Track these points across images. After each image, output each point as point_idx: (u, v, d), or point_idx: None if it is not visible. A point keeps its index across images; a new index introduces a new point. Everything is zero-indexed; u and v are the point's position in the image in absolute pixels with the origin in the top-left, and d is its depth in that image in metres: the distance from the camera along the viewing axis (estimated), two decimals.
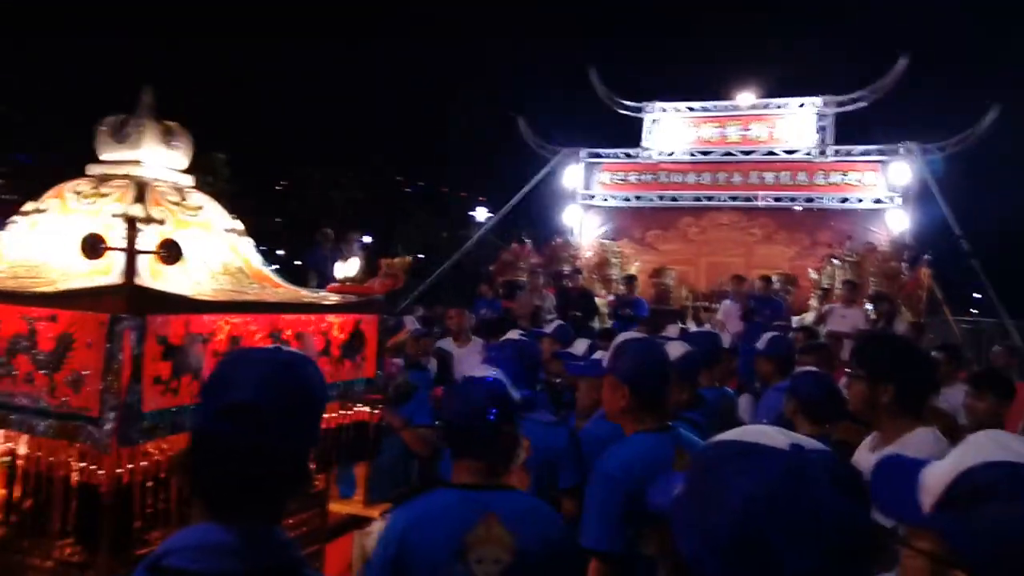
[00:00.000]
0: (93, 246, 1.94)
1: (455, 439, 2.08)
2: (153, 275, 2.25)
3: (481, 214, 23.40)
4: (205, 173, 18.36)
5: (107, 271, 2.15)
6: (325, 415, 2.57)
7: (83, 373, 1.89)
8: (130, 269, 1.87)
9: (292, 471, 1.24)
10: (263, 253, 2.78)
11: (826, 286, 11.15)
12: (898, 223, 12.18)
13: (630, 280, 11.60)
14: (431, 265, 15.95)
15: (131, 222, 1.90)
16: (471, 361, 6.20)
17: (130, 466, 1.95)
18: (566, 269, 13.04)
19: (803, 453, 0.88)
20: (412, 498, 2.07)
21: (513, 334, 3.91)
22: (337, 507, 2.97)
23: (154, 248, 2.03)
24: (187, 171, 2.71)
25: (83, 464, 1.93)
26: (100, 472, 1.91)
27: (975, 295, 17.15)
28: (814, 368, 3.48)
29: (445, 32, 34.09)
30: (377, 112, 30.41)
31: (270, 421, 1.20)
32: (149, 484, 2.02)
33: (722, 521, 0.85)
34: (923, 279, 10.58)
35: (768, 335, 4.51)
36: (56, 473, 1.97)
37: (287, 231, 23.99)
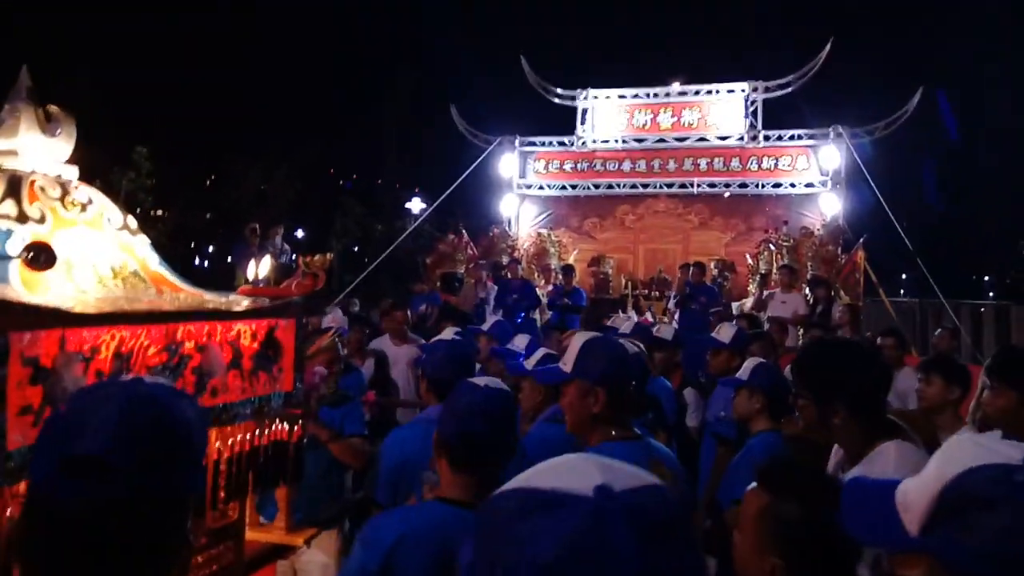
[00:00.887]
0: None
1: (455, 451, 1.91)
2: (27, 284, 1.94)
3: (416, 205, 23.03)
4: (126, 168, 17.54)
5: None
6: (238, 437, 2.32)
7: None
8: None
9: (159, 539, 0.98)
10: (192, 251, 2.48)
11: (764, 271, 11.24)
12: (831, 207, 12.36)
13: (568, 270, 11.49)
14: (367, 258, 15.57)
15: None
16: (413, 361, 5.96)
17: None
18: (504, 260, 12.86)
19: (610, 499, 0.71)
20: (345, 514, 1.87)
21: (447, 333, 3.69)
22: (255, 535, 2.69)
23: (20, 252, 1.73)
24: (106, 166, 2.38)
25: None
26: None
27: (902, 276, 17.67)
28: (764, 360, 3.35)
29: (376, 20, 33.47)
30: (308, 102, 29.58)
31: (125, 477, 0.93)
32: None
33: None
34: (859, 262, 10.74)
35: (728, 326, 4.37)
36: None
37: (220, 226, 23.20)
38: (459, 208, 16.54)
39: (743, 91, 13.12)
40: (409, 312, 7.43)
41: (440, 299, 10.61)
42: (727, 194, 13.14)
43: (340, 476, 3.74)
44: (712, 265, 11.93)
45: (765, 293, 9.85)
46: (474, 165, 14.40)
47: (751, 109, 13.05)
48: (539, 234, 13.93)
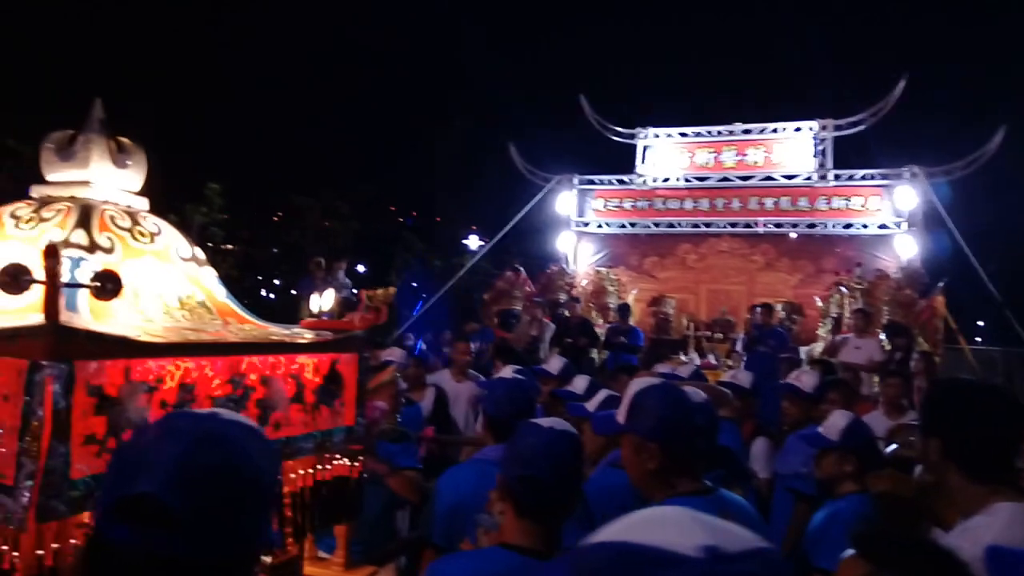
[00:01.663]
0: (14, 277, 1.62)
1: (519, 496, 1.80)
2: (95, 313, 1.93)
3: (474, 242, 23.14)
4: (200, 204, 18.09)
5: (40, 309, 1.83)
6: (300, 471, 2.26)
7: None
8: (52, 306, 1.55)
9: None
10: (259, 283, 2.45)
11: (835, 315, 10.84)
12: (906, 249, 11.91)
13: (623, 308, 11.31)
14: (424, 295, 15.64)
15: (51, 250, 1.57)
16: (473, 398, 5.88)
17: (55, 546, 1.62)
18: (562, 297, 12.75)
19: (720, 562, 0.62)
20: (402, 552, 1.78)
21: (507, 371, 3.59)
22: (314, 570, 2.61)
23: (88, 280, 1.71)
24: (182, 202, 2.39)
25: None
26: (14, 554, 1.58)
27: (978, 323, 16.89)
28: (851, 415, 3.13)
29: (435, 59, 34.16)
30: (369, 140, 30.28)
31: (180, 521, 0.85)
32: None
33: None
34: (938, 308, 10.26)
35: (809, 373, 4.13)
36: None
37: (285, 261, 23.73)
38: (516, 245, 16.53)
39: (811, 129, 12.85)
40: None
41: (492, 336, 10.55)
42: (794, 234, 12.81)
43: (394, 514, 3.66)
44: (779, 308, 11.59)
45: (838, 338, 9.48)
46: (532, 203, 14.41)
47: (820, 147, 12.75)
48: (597, 272, 13.79)
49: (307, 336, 2.40)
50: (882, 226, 12.32)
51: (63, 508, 1.56)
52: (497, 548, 1.84)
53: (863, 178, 12.57)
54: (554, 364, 4.47)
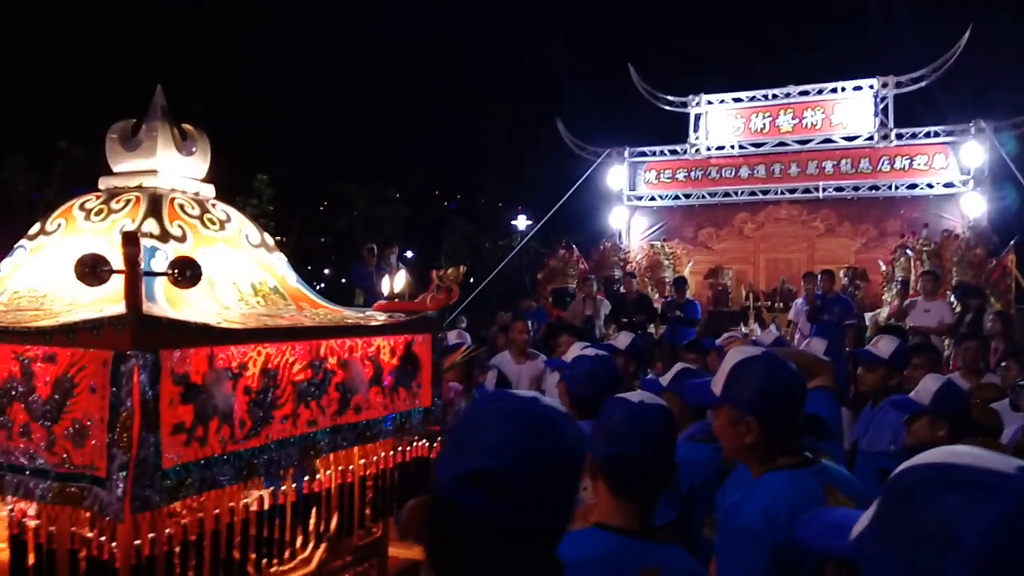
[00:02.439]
0: (93, 268, 1.59)
1: (611, 475, 1.75)
2: (171, 301, 1.91)
3: (522, 223, 23.05)
4: (248, 195, 18.35)
5: (120, 299, 1.81)
6: (381, 454, 2.23)
7: (86, 424, 1.55)
8: (134, 295, 1.52)
9: (534, 565, 1.03)
10: (310, 273, 2.43)
11: (901, 278, 10.48)
12: (974, 207, 11.45)
13: (680, 282, 11.12)
14: (472, 279, 15.65)
15: (130, 238, 1.54)
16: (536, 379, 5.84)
17: (151, 535, 1.61)
18: (616, 274, 12.60)
19: None
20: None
21: (576, 348, 3.51)
22: (398, 551, 2.59)
23: (166, 269, 1.68)
24: (230, 194, 2.36)
25: (92, 534, 1.59)
26: (112, 544, 1.57)
27: None
28: (942, 378, 2.97)
29: (478, 35, 33.97)
30: (413, 124, 30.29)
31: (523, 494, 0.97)
32: (176, 552, 1.68)
33: (953, 564, 0.71)
34: (1010, 266, 9.86)
35: (887, 339, 3.96)
36: (61, 546, 1.63)
37: (333, 250, 24.00)
38: (566, 223, 16.38)
39: (871, 87, 12.41)
40: None
41: (547, 316, 10.47)
42: (862, 197, 12.41)
43: None
44: (841, 274, 11.26)
45: (906, 302, 9.16)
46: (583, 178, 14.23)
47: (881, 106, 12.31)
48: (652, 246, 13.59)
49: (381, 319, 2.37)
50: (948, 185, 11.87)
51: (157, 498, 1.54)
52: (593, 529, 1.79)
53: (927, 136, 12.11)
54: (622, 339, 4.38)
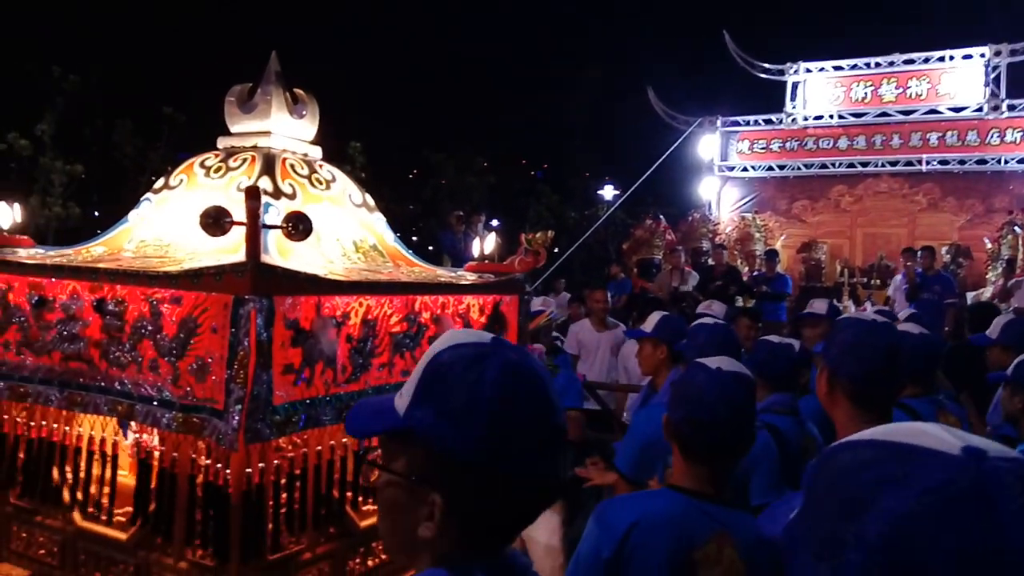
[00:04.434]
0: (216, 220, 1.73)
1: (686, 439, 1.78)
2: (282, 253, 2.06)
3: (608, 192, 22.82)
4: (342, 163, 18.80)
5: (235, 249, 1.97)
6: None
7: (207, 361, 1.70)
8: (254, 244, 1.65)
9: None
10: (401, 240, 2.55)
11: (1007, 257, 9.96)
12: None
13: (771, 255, 10.84)
14: (556, 248, 15.67)
15: (252, 192, 1.67)
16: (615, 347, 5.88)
17: (260, 464, 1.76)
18: (704, 245, 12.40)
19: (984, 462, 0.59)
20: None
21: (655, 316, 3.53)
22: None
23: (281, 222, 1.82)
24: (326, 160, 2.51)
25: (209, 462, 1.76)
26: (227, 471, 1.73)
27: None
28: None
29: (568, 5, 33.52)
30: (502, 92, 30.30)
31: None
32: (282, 483, 1.84)
33: (861, 550, 0.59)
34: None
35: (1002, 320, 3.80)
36: (183, 470, 1.81)
37: (421, 217, 24.38)
38: (653, 193, 16.14)
39: (983, 56, 11.73)
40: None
41: (631, 286, 10.41)
42: (969, 171, 11.82)
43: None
44: (944, 251, 10.78)
45: (1011, 282, 8.72)
46: (672, 148, 14.00)
47: (992, 76, 11.64)
48: (742, 218, 13.30)
49: (471, 279, 2.47)
50: None
51: (267, 431, 1.69)
52: (665, 490, 1.83)
53: None
54: (716, 309, 4.35)
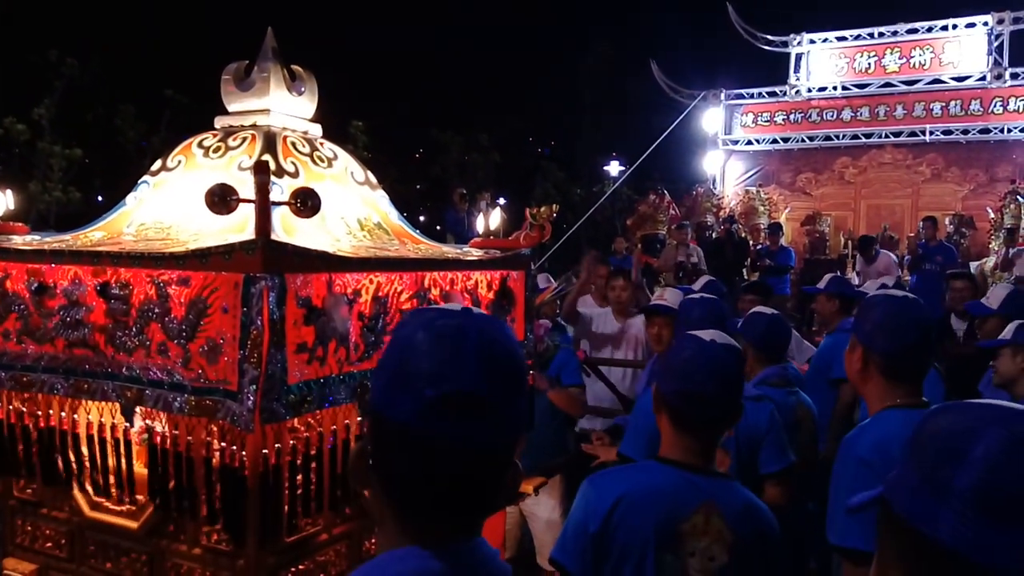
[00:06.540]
0: (222, 198, 1.71)
1: (676, 410, 1.78)
2: (287, 231, 2.03)
3: (614, 168, 22.73)
4: (344, 142, 18.61)
5: (241, 228, 1.94)
6: None
7: (219, 342, 1.68)
8: (264, 221, 1.63)
9: (504, 471, 0.97)
10: (405, 219, 2.53)
11: (1009, 226, 9.92)
12: None
13: (774, 228, 10.80)
14: (564, 224, 15.62)
15: (261, 167, 1.65)
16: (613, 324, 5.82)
17: (276, 445, 1.75)
18: (709, 220, 12.35)
19: None
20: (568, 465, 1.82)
21: (669, 294, 3.52)
22: None
23: (288, 199, 1.79)
24: (327, 139, 2.47)
25: (224, 444, 1.74)
26: (242, 453, 1.72)
27: None
28: None
29: None
30: (507, 70, 30.07)
31: (493, 410, 0.92)
32: (298, 464, 1.83)
33: (959, 474, 0.75)
34: None
35: (999, 288, 3.80)
36: (196, 454, 1.80)
37: (428, 196, 24.30)
38: (658, 168, 16.07)
39: (986, 24, 11.61)
40: None
41: (631, 263, 10.36)
42: (972, 140, 11.74)
43: (563, 431, 3.75)
44: (947, 221, 10.73)
45: (1012, 251, 8.68)
46: (676, 122, 13.90)
47: (995, 44, 11.52)
48: (747, 192, 13.24)
49: (477, 254, 2.45)
50: None
51: (283, 411, 1.67)
52: (652, 462, 1.83)
53: None
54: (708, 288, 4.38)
